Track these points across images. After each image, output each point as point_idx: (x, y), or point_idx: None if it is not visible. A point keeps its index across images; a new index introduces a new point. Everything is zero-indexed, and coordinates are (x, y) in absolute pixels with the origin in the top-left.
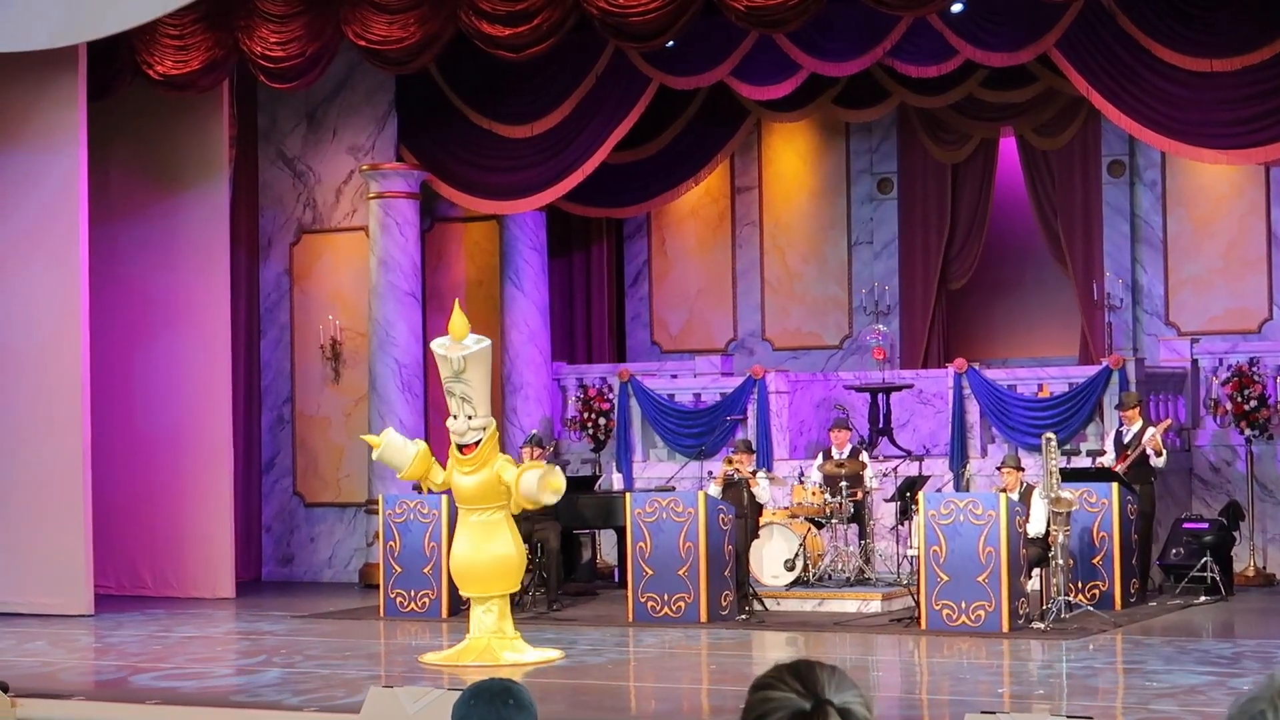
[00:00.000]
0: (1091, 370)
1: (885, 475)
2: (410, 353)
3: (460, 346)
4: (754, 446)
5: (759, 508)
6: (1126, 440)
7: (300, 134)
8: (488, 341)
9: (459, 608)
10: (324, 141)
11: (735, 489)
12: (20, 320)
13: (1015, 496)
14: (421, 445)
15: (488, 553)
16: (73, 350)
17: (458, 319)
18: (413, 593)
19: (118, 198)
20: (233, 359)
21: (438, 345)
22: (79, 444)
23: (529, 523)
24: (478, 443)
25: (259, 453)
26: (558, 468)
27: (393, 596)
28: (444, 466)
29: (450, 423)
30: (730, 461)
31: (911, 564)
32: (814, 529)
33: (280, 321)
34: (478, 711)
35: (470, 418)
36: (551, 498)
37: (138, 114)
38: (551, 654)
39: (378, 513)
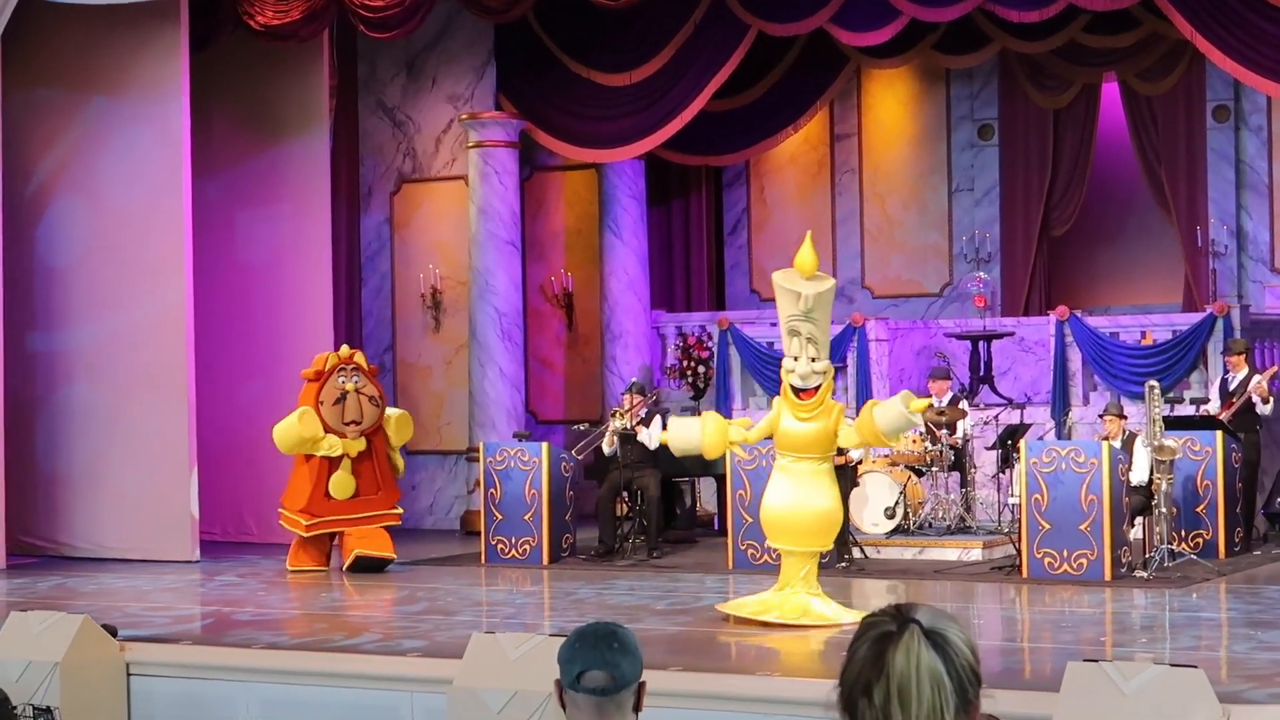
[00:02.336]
0: (1195, 317)
1: (986, 423)
2: (510, 301)
3: (815, 282)
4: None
5: (857, 460)
6: (1231, 388)
7: (400, 83)
8: (832, 281)
9: (559, 554)
10: (423, 91)
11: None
12: (126, 275)
13: (1118, 444)
14: (710, 416)
15: (810, 505)
16: (177, 300)
17: (807, 253)
18: (513, 539)
19: (220, 150)
20: (334, 308)
21: (784, 278)
22: (183, 394)
23: (629, 470)
24: (817, 388)
25: None
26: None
27: (494, 543)
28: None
29: (789, 364)
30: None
31: (1013, 512)
32: (914, 477)
33: (381, 270)
34: (583, 654)
35: (813, 359)
36: (909, 424)
37: (239, 65)
38: (855, 615)
39: (478, 460)
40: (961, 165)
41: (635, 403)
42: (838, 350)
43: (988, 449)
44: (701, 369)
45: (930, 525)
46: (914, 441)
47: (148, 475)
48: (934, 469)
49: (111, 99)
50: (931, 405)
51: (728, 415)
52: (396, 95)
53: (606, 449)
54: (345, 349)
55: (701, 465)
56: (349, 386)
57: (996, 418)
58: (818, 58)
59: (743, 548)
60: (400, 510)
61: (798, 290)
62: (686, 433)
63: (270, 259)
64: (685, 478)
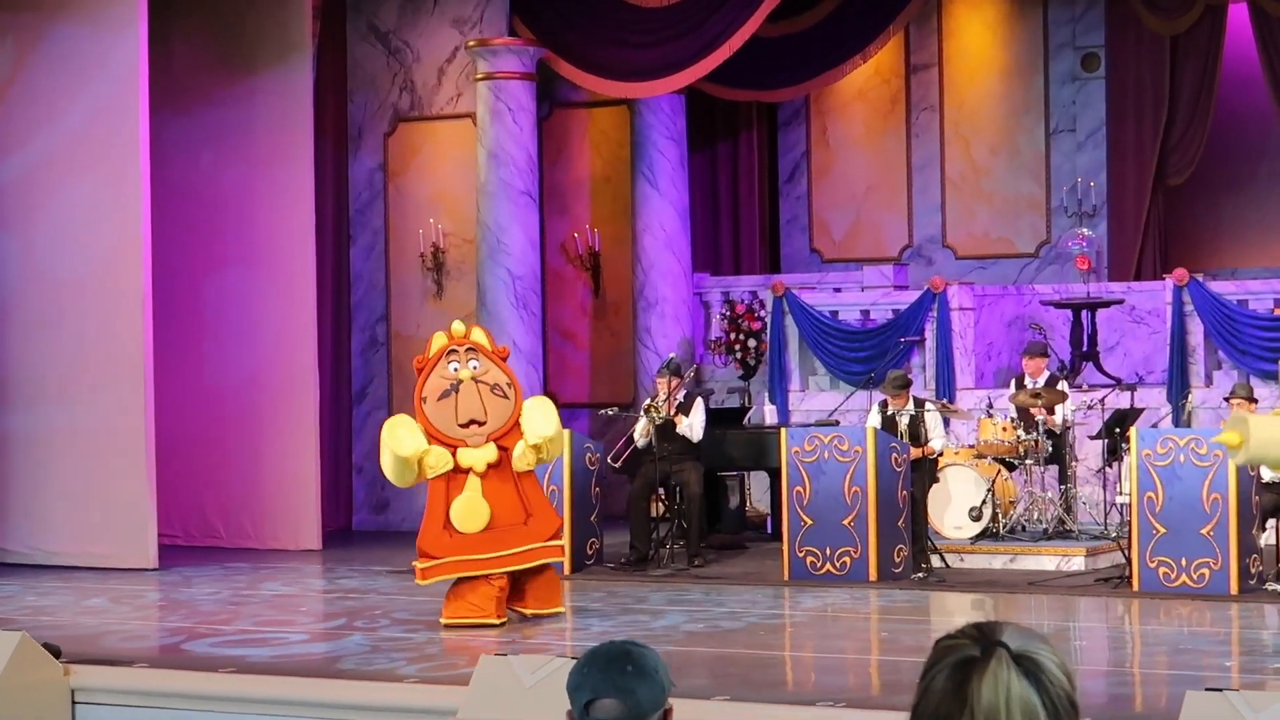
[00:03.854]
0: None
1: (1090, 407)
2: (526, 262)
3: None
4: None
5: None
6: None
7: (395, 4)
8: None
9: (583, 562)
10: (423, 13)
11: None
12: (70, 233)
13: None
14: None
15: None
16: (132, 263)
17: None
18: None
19: (183, 83)
20: (318, 271)
21: None
22: (140, 374)
23: (666, 463)
24: None
25: (348, 381)
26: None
27: None
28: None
29: None
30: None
31: (1121, 513)
32: (1004, 472)
33: (373, 226)
34: (591, 680)
35: None
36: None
37: None
38: None
39: None
40: (1061, 102)
41: (672, 385)
42: (913, 321)
43: (1091, 438)
44: (752, 343)
45: (1023, 529)
46: (1004, 429)
47: (98, 468)
48: (1028, 462)
49: (52, 21)
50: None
51: (783, 398)
52: (392, 18)
53: (639, 440)
54: (459, 325)
55: (753, 458)
56: (463, 374)
57: (1102, 401)
58: None
59: (800, 555)
60: (562, 542)
61: None
62: None
63: (243, 213)
64: (732, 472)
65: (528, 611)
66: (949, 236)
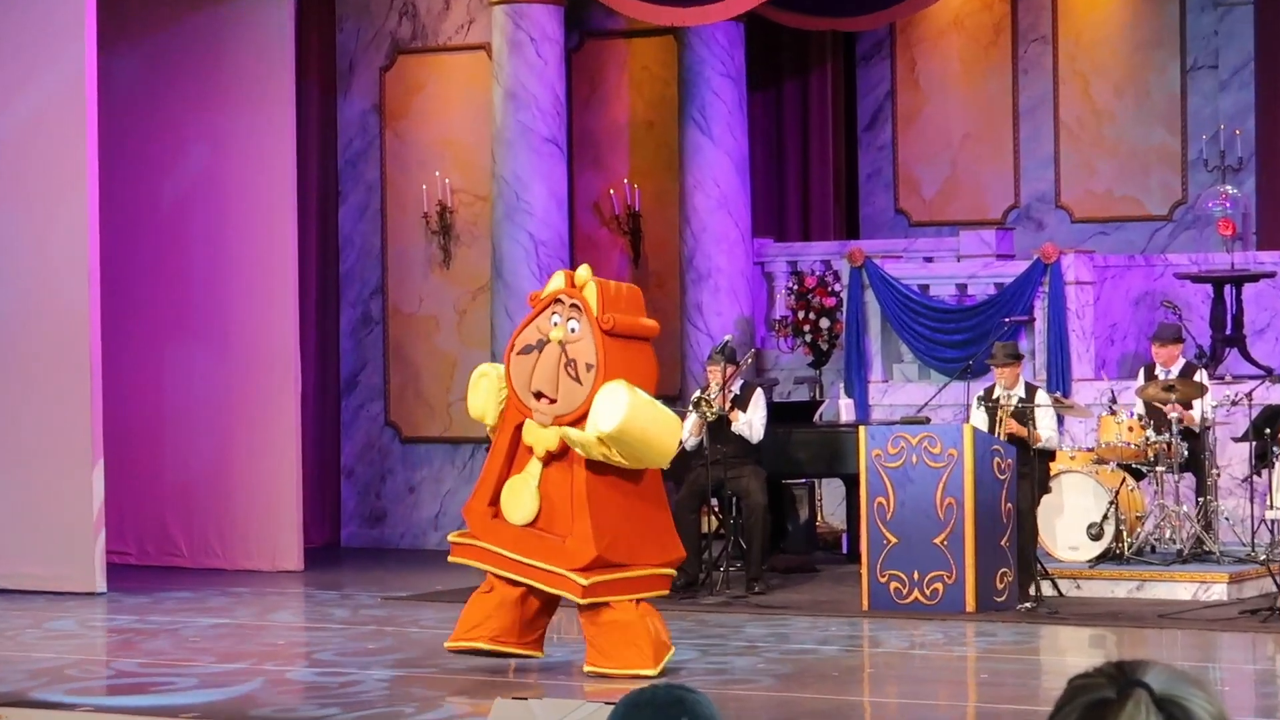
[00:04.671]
0: None
1: (1234, 403)
2: (551, 225)
3: None
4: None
5: (1047, 456)
6: None
7: None
8: None
9: None
10: None
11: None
12: (2, 187)
13: None
14: None
15: None
16: (76, 225)
17: None
18: None
19: (137, 9)
20: (299, 235)
21: None
22: (84, 360)
23: (720, 468)
24: None
25: (336, 367)
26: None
27: None
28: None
29: None
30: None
31: (1272, 532)
32: (1130, 481)
33: (367, 180)
34: None
35: None
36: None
37: None
38: None
39: None
40: (1200, 33)
41: (727, 374)
42: (1020, 297)
43: (1236, 440)
44: (824, 324)
45: (1153, 549)
46: (1130, 429)
47: (34, 475)
48: (1159, 468)
49: None
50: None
51: (862, 390)
52: None
53: (688, 440)
54: (584, 270)
55: (825, 462)
56: (554, 334)
57: (1249, 395)
58: None
59: (882, 580)
60: (585, 581)
61: None
62: None
63: (210, 165)
64: (800, 479)
65: (586, 668)
66: (1064, 195)
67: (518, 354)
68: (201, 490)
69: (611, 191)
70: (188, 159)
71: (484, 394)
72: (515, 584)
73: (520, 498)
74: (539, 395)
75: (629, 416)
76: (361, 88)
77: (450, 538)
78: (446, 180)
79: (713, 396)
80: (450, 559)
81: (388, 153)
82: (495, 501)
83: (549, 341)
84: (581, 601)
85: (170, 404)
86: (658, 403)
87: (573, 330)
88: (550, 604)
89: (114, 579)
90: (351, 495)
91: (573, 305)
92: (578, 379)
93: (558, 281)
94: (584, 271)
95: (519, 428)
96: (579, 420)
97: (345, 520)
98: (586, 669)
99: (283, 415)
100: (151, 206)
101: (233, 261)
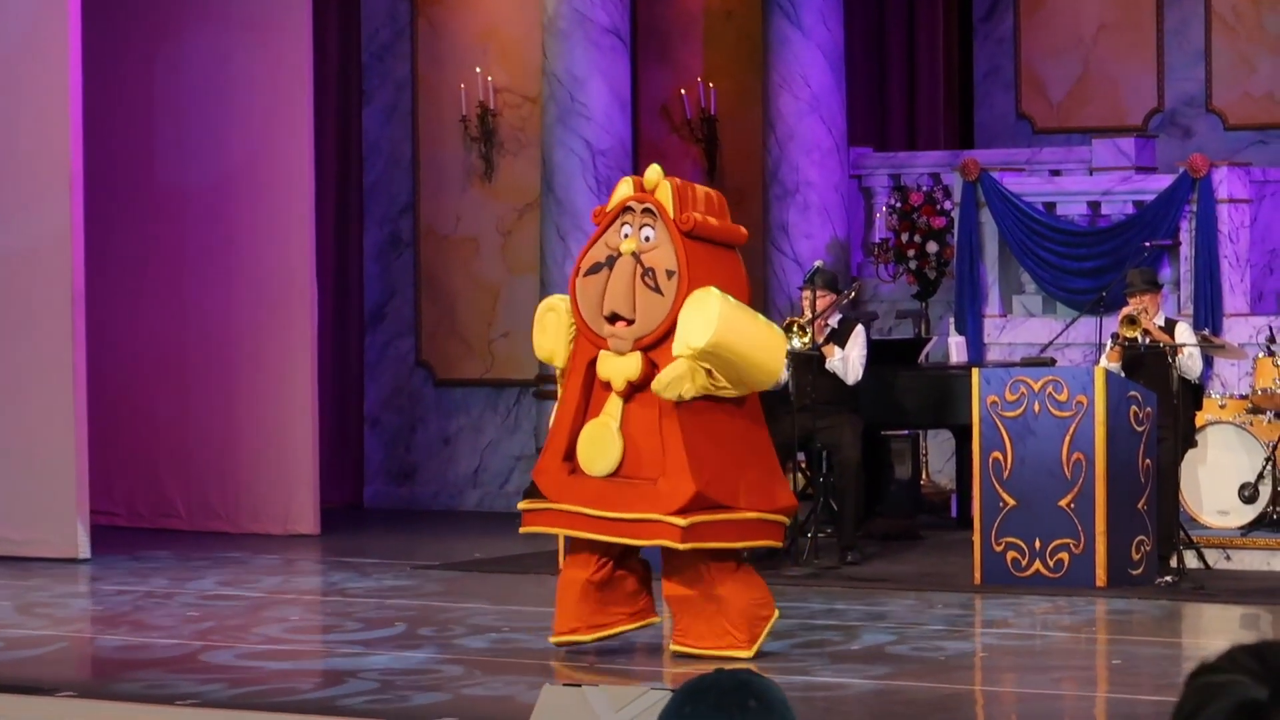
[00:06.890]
0: None
1: None
2: (612, 130)
3: None
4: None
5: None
6: None
7: None
8: None
9: None
10: None
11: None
12: None
13: None
14: None
15: None
16: (57, 151)
17: None
18: None
19: None
20: (316, 141)
21: None
22: (65, 305)
23: (809, 415)
24: None
25: (359, 297)
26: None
27: None
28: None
29: None
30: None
31: None
32: None
33: (396, 77)
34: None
35: None
36: None
37: None
38: None
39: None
40: None
41: (822, 303)
42: (1164, 218)
43: None
44: (932, 248)
45: None
46: None
47: (9, 427)
48: None
49: None
50: None
51: (976, 327)
52: None
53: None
54: (655, 169)
55: (932, 411)
56: (625, 246)
57: None
58: None
59: (998, 549)
60: (683, 523)
61: None
62: None
63: (210, 61)
64: (903, 431)
65: (673, 647)
66: (1216, 98)
67: (584, 276)
68: (201, 442)
69: (683, 92)
70: (184, 52)
71: (553, 331)
72: (596, 553)
73: (601, 444)
74: (614, 318)
75: (724, 325)
76: None
77: (520, 505)
78: (489, 78)
79: (806, 324)
80: (522, 530)
81: (420, 45)
82: (571, 456)
83: (620, 255)
84: (681, 547)
85: (165, 341)
86: (755, 312)
87: (647, 239)
88: (639, 570)
89: (99, 543)
90: (376, 448)
91: (645, 210)
92: (657, 289)
93: (625, 189)
94: (654, 171)
95: (592, 364)
96: (664, 340)
97: (369, 477)
98: (673, 649)
99: (296, 354)
100: (142, 113)
101: (238, 174)
